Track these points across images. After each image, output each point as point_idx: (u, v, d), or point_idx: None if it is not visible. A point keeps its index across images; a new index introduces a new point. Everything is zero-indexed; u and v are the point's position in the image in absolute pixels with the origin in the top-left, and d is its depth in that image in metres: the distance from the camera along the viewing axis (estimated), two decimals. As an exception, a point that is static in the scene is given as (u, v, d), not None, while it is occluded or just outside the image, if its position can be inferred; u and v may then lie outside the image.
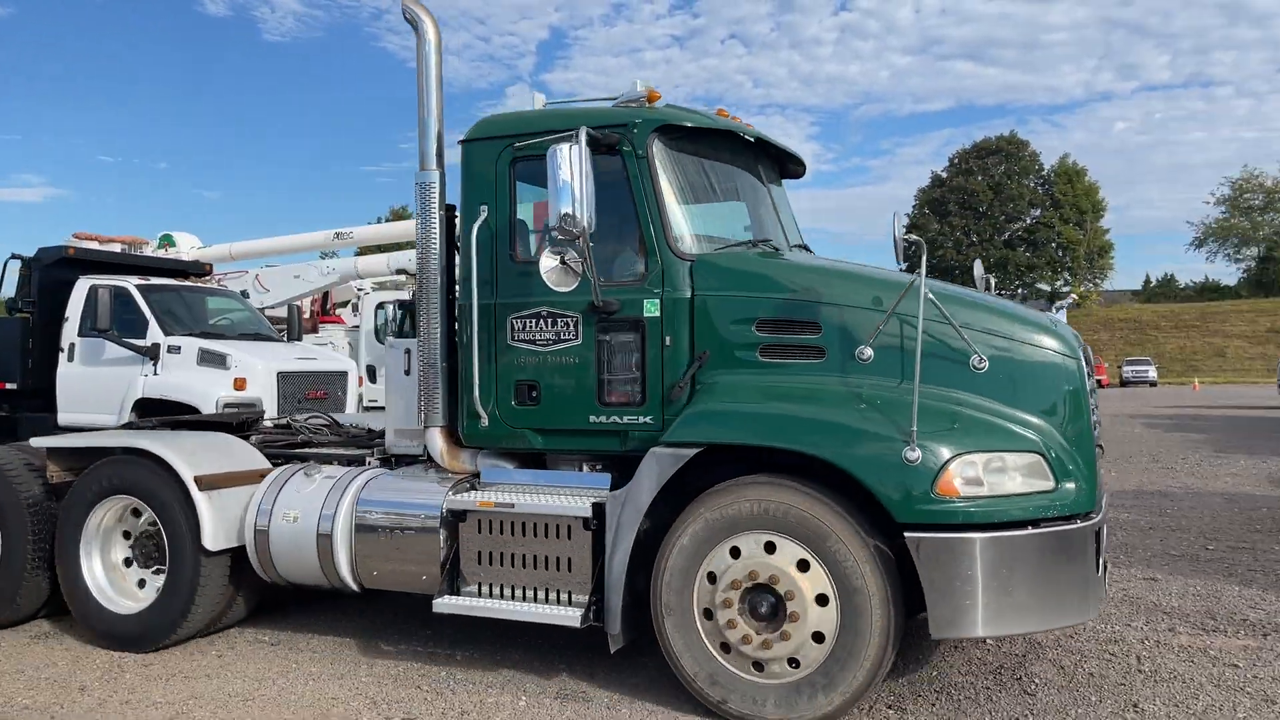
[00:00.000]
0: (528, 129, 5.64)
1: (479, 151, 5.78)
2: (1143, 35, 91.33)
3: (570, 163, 4.93)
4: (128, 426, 7.62)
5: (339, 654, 6.27)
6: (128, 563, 6.55)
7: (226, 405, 10.93)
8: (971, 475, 4.59)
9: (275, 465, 6.49)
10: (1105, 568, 5.00)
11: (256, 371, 11.51)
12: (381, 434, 6.81)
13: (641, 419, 5.35)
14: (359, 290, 20.06)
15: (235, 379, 11.36)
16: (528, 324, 5.58)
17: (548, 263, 5.03)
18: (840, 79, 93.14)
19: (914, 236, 4.77)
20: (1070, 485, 4.74)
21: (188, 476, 6.03)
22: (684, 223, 5.46)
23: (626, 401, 5.39)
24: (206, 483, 6.05)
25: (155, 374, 11.46)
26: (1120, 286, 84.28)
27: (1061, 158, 74.78)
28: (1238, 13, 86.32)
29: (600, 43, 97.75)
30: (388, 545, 5.76)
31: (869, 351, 4.96)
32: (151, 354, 11.46)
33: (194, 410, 10.77)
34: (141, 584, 6.49)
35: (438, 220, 5.90)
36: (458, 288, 5.91)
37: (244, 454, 6.55)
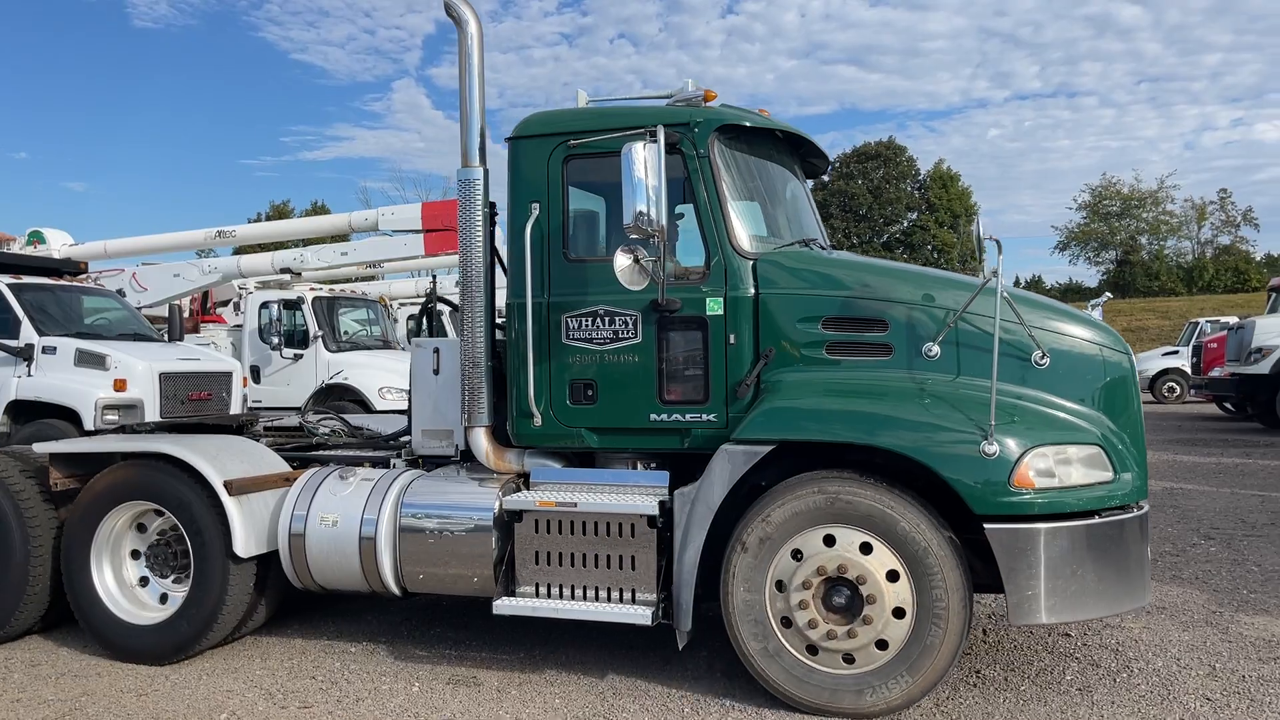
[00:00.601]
0: (583, 126, 5.63)
1: (529, 149, 5.73)
2: (1016, 45, 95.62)
3: (645, 161, 4.93)
4: (123, 430, 7.37)
5: (233, 649, 6.29)
6: (143, 580, 6.32)
7: (106, 407, 10.70)
8: (1043, 467, 4.78)
9: (294, 468, 6.35)
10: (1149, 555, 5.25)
11: (137, 372, 11.24)
12: (396, 435, 6.78)
13: (705, 417, 5.40)
14: (241, 289, 19.64)
15: (115, 380, 11.08)
16: (583, 322, 5.57)
17: (622, 261, 5.02)
18: (728, 81, 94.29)
19: (995, 238, 4.95)
20: (1127, 475, 4.98)
21: (216, 481, 5.84)
22: (744, 222, 5.52)
23: (689, 399, 5.42)
24: (237, 487, 5.87)
25: (30, 375, 11.20)
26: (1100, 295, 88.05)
27: (936, 163, 77.75)
28: (1104, 25, 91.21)
29: (488, 38, 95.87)
30: (436, 548, 5.67)
31: (936, 349, 5.12)
32: (25, 355, 11.20)
33: (72, 414, 10.53)
34: (164, 599, 6.26)
35: (481, 217, 5.84)
36: (504, 286, 5.87)
37: (265, 457, 6.38)
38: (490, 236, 5.95)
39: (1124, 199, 75.55)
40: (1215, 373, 21.32)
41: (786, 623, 5.02)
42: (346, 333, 16.54)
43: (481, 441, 5.84)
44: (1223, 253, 73.10)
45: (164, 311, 15.02)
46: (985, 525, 4.74)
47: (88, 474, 6.35)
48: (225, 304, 21.76)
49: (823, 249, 6.08)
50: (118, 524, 6.23)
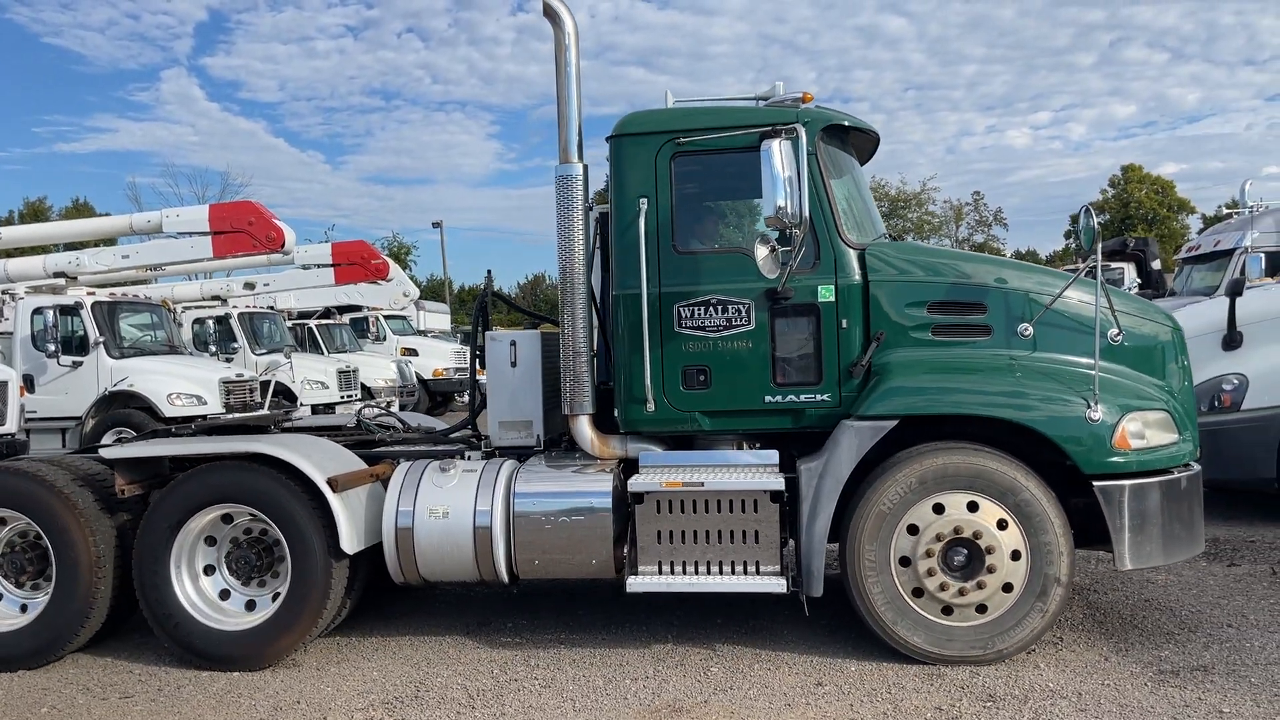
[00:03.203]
0: (691, 125, 5.92)
1: (634, 147, 5.97)
2: (794, 51, 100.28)
3: (783, 156, 5.28)
4: (152, 435, 7.01)
5: None
6: (217, 583, 6.13)
7: None
8: (1136, 430, 5.46)
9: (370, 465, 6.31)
10: None
11: None
12: (452, 429, 6.95)
13: (819, 397, 5.80)
14: (6, 294, 18.67)
15: None
16: (695, 311, 5.85)
17: (761, 251, 5.35)
18: (520, 79, 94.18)
19: (1099, 230, 5.56)
20: (1189, 434, 5.75)
21: (319, 479, 5.77)
22: (848, 214, 5.97)
23: (802, 382, 5.81)
24: (342, 484, 5.82)
25: None
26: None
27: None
28: (874, 36, 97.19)
29: (266, 28, 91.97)
30: (553, 534, 5.81)
31: (1030, 329, 5.70)
32: None
33: None
34: (250, 604, 6.10)
35: (581, 212, 6.02)
36: (610, 278, 6.11)
37: (344, 454, 6.30)
38: (589, 232, 6.12)
39: (891, 200, 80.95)
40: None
41: (905, 562, 5.50)
42: (129, 338, 16.00)
43: (586, 429, 6.06)
44: (977, 250, 79.58)
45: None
46: (1095, 484, 5.38)
47: (151, 480, 6.16)
48: (-13, 310, 20.43)
49: (894, 239, 6.54)
50: (199, 528, 6.05)
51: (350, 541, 5.81)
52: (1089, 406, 5.40)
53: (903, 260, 5.99)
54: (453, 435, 6.89)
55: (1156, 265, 19.09)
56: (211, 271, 21.69)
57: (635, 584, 5.72)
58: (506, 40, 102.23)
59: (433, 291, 52.20)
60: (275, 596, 5.97)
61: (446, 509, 5.93)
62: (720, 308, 5.86)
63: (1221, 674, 5.28)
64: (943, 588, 5.46)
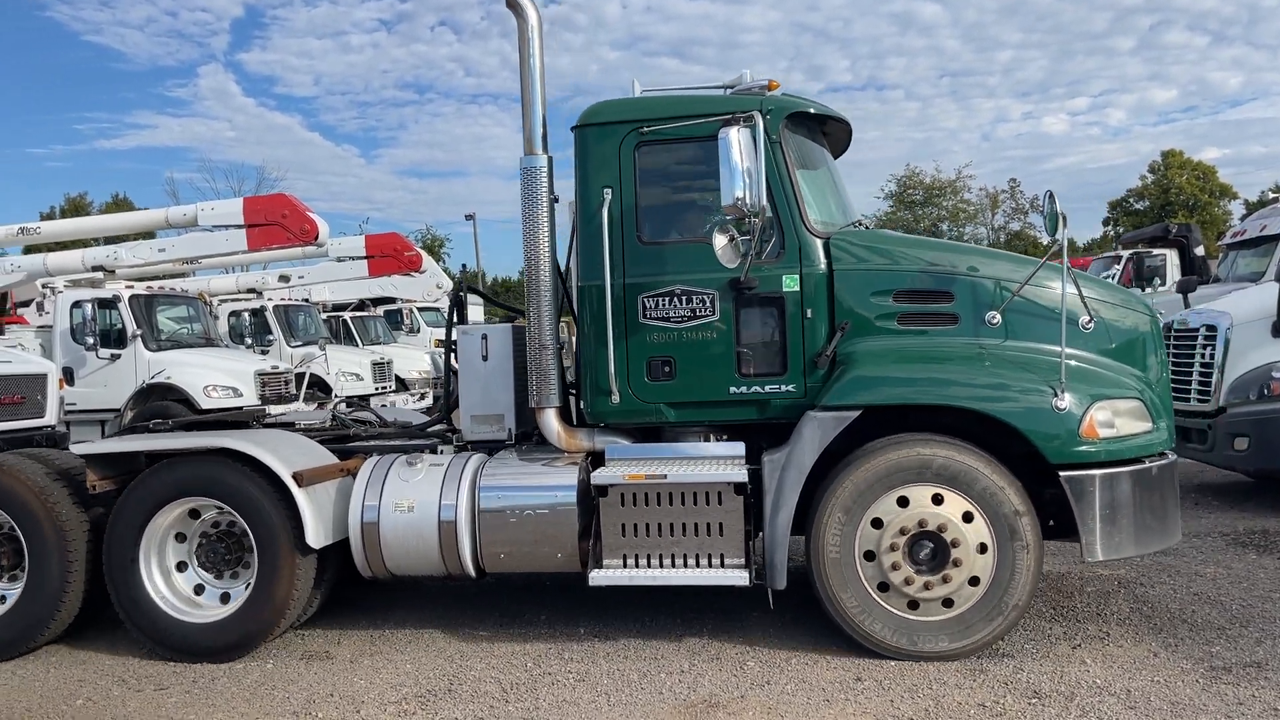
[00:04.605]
0: (655, 114, 5.87)
1: (598, 136, 5.93)
2: (827, 39, 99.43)
3: (741, 145, 5.20)
4: (149, 429, 7.11)
5: (77, 642, 6.34)
6: (183, 568, 6.18)
7: None
8: (1104, 419, 5.35)
9: (341, 459, 6.33)
10: None
11: None
12: (429, 424, 6.92)
13: (784, 388, 5.73)
14: (47, 288, 18.92)
15: None
16: (660, 302, 5.80)
17: (719, 240, 5.30)
18: (552, 71, 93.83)
19: (1063, 214, 5.43)
20: (1163, 424, 5.62)
21: (285, 473, 5.78)
22: (813, 203, 5.89)
23: (767, 372, 5.74)
24: (307, 478, 5.84)
25: None
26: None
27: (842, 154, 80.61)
28: (908, 23, 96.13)
29: (302, 24, 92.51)
30: (518, 527, 5.80)
31: (998, 317, 5.60)
32: None
33: None
34: (224, 597, 6.12)
35: (546, 204, 5.99)
36: (573, 270, 6.07)
37: (315, 448, 6.32)
38: (554, 224, 6.10)
39: (926, 188, 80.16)
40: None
41: (869, 556, 5.42)
42: (166, 331, 16.16)
43: (553, 422, 6.02)
44: (1014, 238, 78.68)
45: (-36, 315, 14.27)
46: (1061, 474, 5.27)
47: (125, 475, 6.18)
48: (27, 304, 20.73)
49: (866, 227, 6.50)
50: (167, 522, 6.09)
51: (316, 536, 5.83)
52: (1056, 395, 5.29)
53: (867, 248, 5.91)
54: (429, 430, 6.87)
55: (1200, 251, 18.70)
56: (249, 265, 21.87)
57: (598, 577, 5.68)
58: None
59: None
60: (244, 589, 6.00)
61: (411, 503, 5.93)
62: (685, 298, 5.81)
63: (1276, 670, 5.11)
64: (908, 581, 5.37)
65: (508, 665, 5.66)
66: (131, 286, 16.34)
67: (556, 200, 6.16)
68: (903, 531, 5.39)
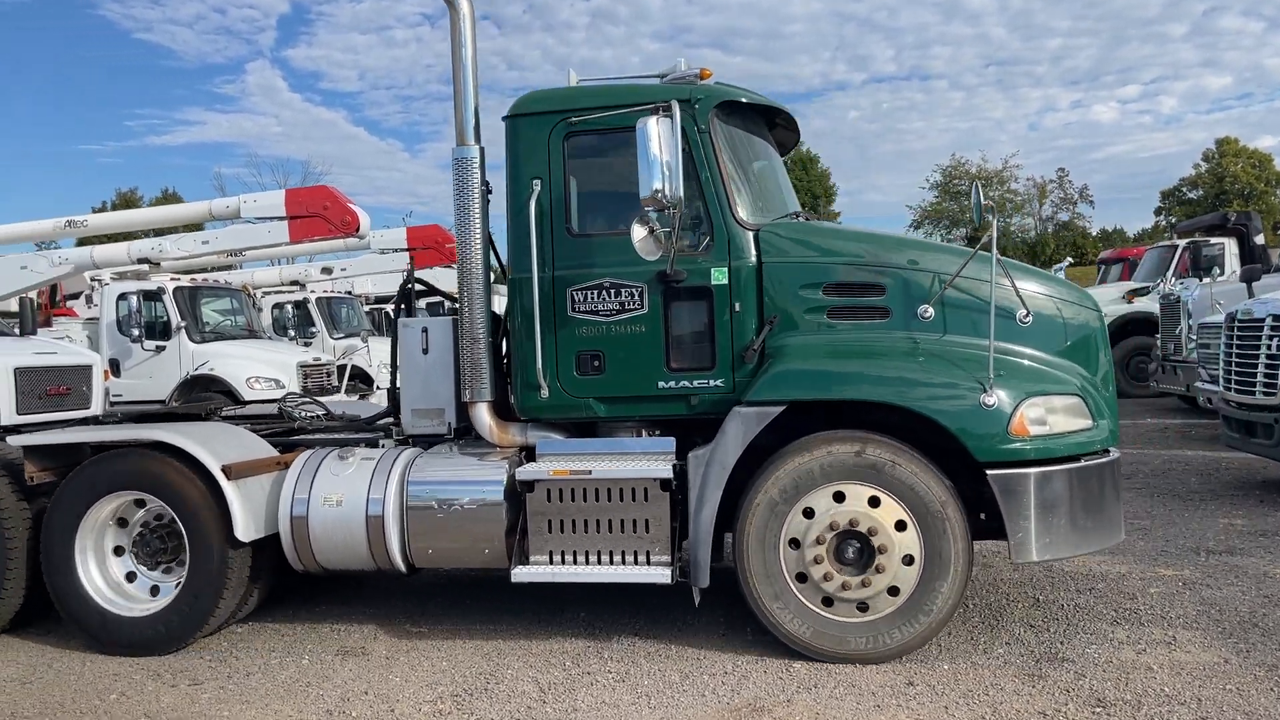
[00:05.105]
0: (584, 104, 5.78)
1: (528, 127, 5.85)
2: (871, 29, 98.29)
3: (659, 135, 5.10)
4: (87, 422, 7.12)
5: None
6: (129, 574, 6.18)
7: None
8: (1036, 416, 5.17)
9: (281, 452, 6.30)
10: None
11: None
12: (376, 417, 6.83)
13: (712, 383, 5.62)
14: (94, 281, 19.12)
15: None
16: (589, 295, 5.72)
17: (638, 232, 5.20)
18: (593, 64, 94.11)
19: (990, 204, 5.29)
20: (1104, 422, 5.44)
21: (214, 466, 5.76)
22: (743, 194, 5.76)
23: (695, 367, 5.64)
24: (235, 472, 5.81)
25: None
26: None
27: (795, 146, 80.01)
28: (953, 11, 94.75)
29: (346, 19, 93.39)
30: (446, 523, 5.73)
31: (930, 310, 5.46)
32: None
33: None
34: (155, 590, 6.14)
35: (478, 195, 5.93)
36: (503, 262, 6.01)
37: (253, 442, 6.31)
38: (487, 216, 6.05)
39: (972, 178, 78.95)
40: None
41: (802, 578, 5.30)
42: (210, 322, 16.25)
43: (484, 416, 5.95)
44: (1062, 229, 77.42)
45: (13, 306, 14.44)
46: (988, 472, 5.11)
47: (64, 467, 6.19)
48: (76, 296, 21.01)
49: (806, 219, 6.37)
50: (102, 516, 6.10)
51: (245, 529, 5.80)
52: (984, 391, 5.11)
53: (797, 241, 5.76)
54: (377, 423, 6.81)
55: (1260, 240, 18.16)
56: (294, 256, 21.96)
57: (521, 574, 5.61)
58: (580, 25, 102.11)
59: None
60: (175, 583, 6.00)
61: (340, 497, 5.88)
62: (613, 291, 5.70)
63: (1357, 678, 4.81)
64: (827, 577, 5.25)
65: (545, 664, 5.52)
66: (176, 279, 16.47)
67: (490, 191, 6.10)
68: (832, 527, 5.25)
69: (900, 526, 5.20)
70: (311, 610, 6.77)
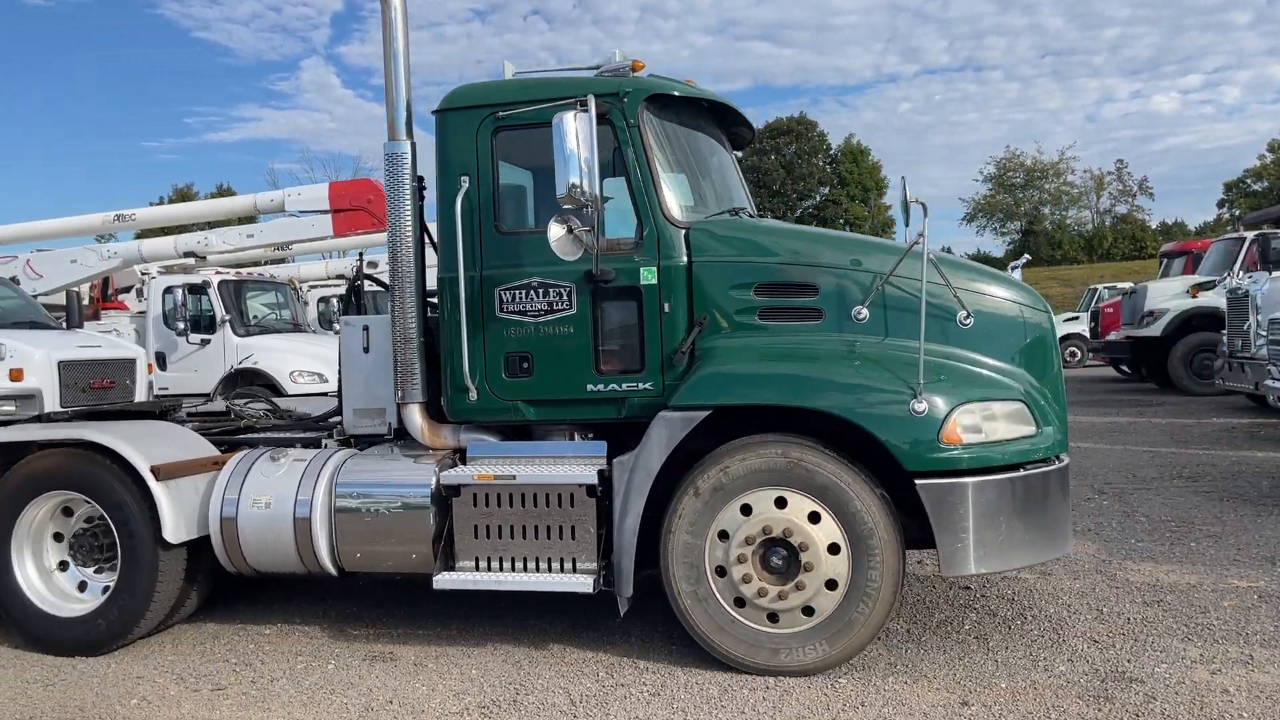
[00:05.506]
0: (512, 98, 5.61)
1: (457, 121, 5.69)
2: (924, 20, 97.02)
3: (576, 131, 4.94)
4: (40, 418, 7.13)
5: (146, 637, 6.16)
6: (63, 565, 6.13)
7: (2, 398, 10.30)
8: (970, 423, 4.93)
9: (223, 452, 6.22)
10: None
11: (34, 361, 10.76)
12: (325, 416, 6.71)
13: (641, 386, 5.44)
14: (143, 274, 19.28)
15: (10, 370, 10.60)
16: (517, 295, 5.56)
17: (556, 231, 5.02)
18: (643, 57, 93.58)
19: (919, 200, 5.03)
20: (1049, 429, 5.17)
21: (143, 466, 5.69)
22: (675, 191, 5.57)
23: (625, 369, 5.46)
24: (164, 472, 5.73)
25: None
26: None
27: (846, 138, 78.91)
28: (1008, 1, 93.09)
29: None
30: (373, 526, 5.62)
31: (865, 312, 5.22)
32: None
33: None
34: (82, 586, 6.10)
35: (409, 192, 5.80)
36: (435, 261, 5.84)
37: (192, 441, 6.25)
38: (420, 212, 5.92)
39: (1027, 170, 77.62)
40: (1112, 336, 22.16)
41: (721, 572, 5.11)
42: (255, 316, 16.27)
43: (416, 418, 5.82)
44: (1121, 221, 75.67)
45: (63, 299, 14.56)
46: (916, 481, 4.87)
47: (3, 465, 6.14)
48: (128, 290, 21.23)
49: (752, 218, 6.14)
50: (39, 515, 6.05)
51: (174, 530, 5.73)
52: (915, 397, 4.84)
53: (728, 239, 5.54)
54: (322, 423, 6.69)
55: (1331, 232, 17.46)
56: (345, 251, 22.00)
57: (442, 580, 5.49)
58: (630, 19, 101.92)
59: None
60: (103, 586, 5.96)
61: (269, 499, 5.79)
62: (542, 291, 5.53)
63: None
64: (761, 594, 5.04)
65: (578, 674, 5.28)
66: (221, 272, 16.51)
67: (425, 187, 5.95)
68: (748, 542, 5.05)
69: (834, 550, 4.99)
70: (342, 611, 6.64)
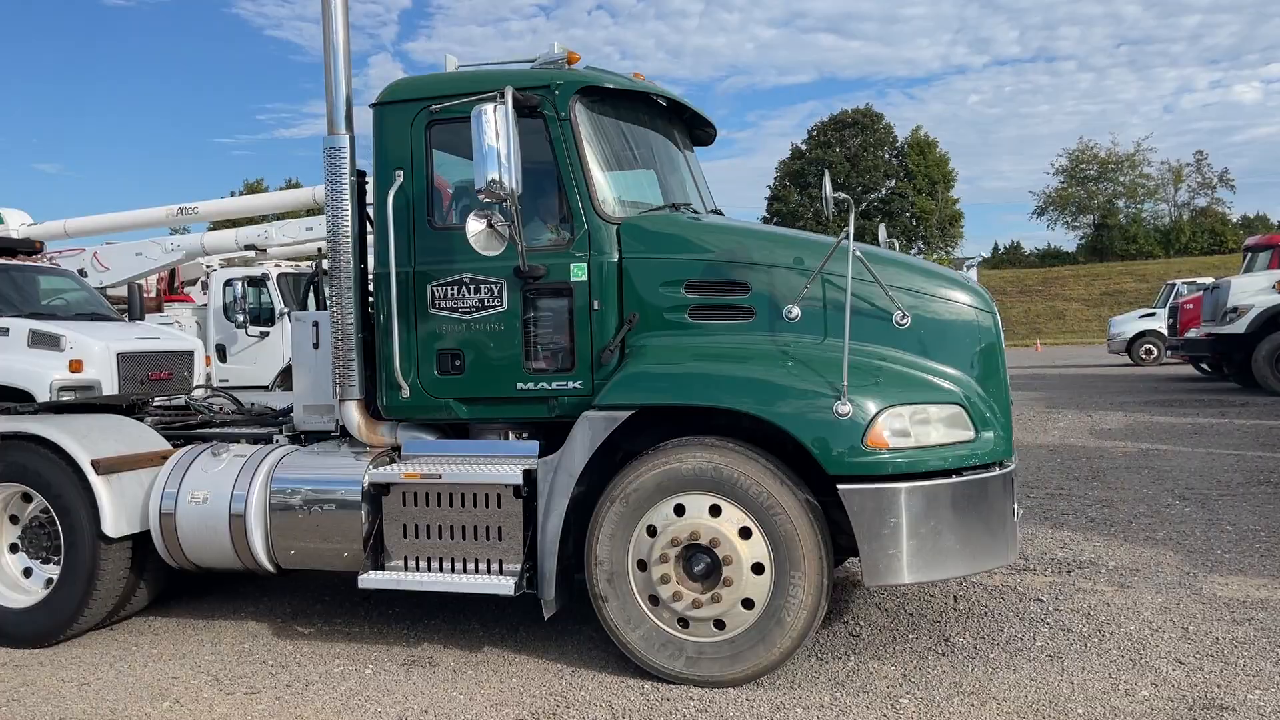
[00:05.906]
0: (445, 91, 5.49)
1: (392, 115, 5.60)
2: (994, 10, 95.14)
3: (496, 124, 4.82)
4: (6, 411, 7.22)
5: (181, 634, 6.18)
6: (13, 548, 6.19)
7: (62, 389, 10.48)
8: (899, 427, 4.73)
9: (176, 446, 6.22)
10: (1018, 513, 5.20)
11: (94, 353, 10.97)
12: (286, 411, 6.64)
13: (571, 384, 5.32)
14: (208, 268, 19.50)
15: (71, 361, 10.83)
16: (449, 291, 5.47)
17: (474, 226, 4.92)
18: (706, 51, 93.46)
19: (842, 195, 4.89)
20: (989, 435, 4.94)
21: (83, 460, 5.73)
22: (608, 186, 5.43)
23: (555, 367, 5.36)
24: (104, 466, 5.75)
25: None
26: (971, 254, 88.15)
27: (913, 130, 77.55)
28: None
29: (464, 12, 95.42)
30: (306, 523, 5.58)
31: (797, 310, 5.04)
32: None
33: (26, 396, 10.26)
34: (29, 574, 6.15)
35: (348, 187, 5.71)
36: (372, 256, 5.77)
37: (141, 435, 6.26)
38: (360, 207, 5.84)
39: (1101, 163, 75.65)
40: (1191, 334, 21.31)
41: (654, 600, 4.96)
42: (312, 309, 16.32)
43: (354, 414, 5.75)
44: (1199, 215, 73.37)
45: (123, 291, 14.80)
46: (838, 485, 4.69)
47: None
48: (193, 283, 21.55)
49: (695, 215, 5.92)
50: None
51: (114, 525, 5.75)
52: (839, 399, 4.62)
53: (659, 235, 5.39)
54: (280, 418, 6.65)
55: None
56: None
57: (367, 580, 5.43)
58: (694, 13, 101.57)
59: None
60: (50, 579, 6.00)
61: (206, 494, 5.77)
62: (473, 288, 5.44)
63: None
64: (676, 596, 4.89)
65: (622, 687, 5.01)
66: (280, 265, 16.60)
67: (366, 182, 5.86)
68: (674, 543, 4.91)
69: (745, 534, 4.84)
70: (385, 611, 6.48)
